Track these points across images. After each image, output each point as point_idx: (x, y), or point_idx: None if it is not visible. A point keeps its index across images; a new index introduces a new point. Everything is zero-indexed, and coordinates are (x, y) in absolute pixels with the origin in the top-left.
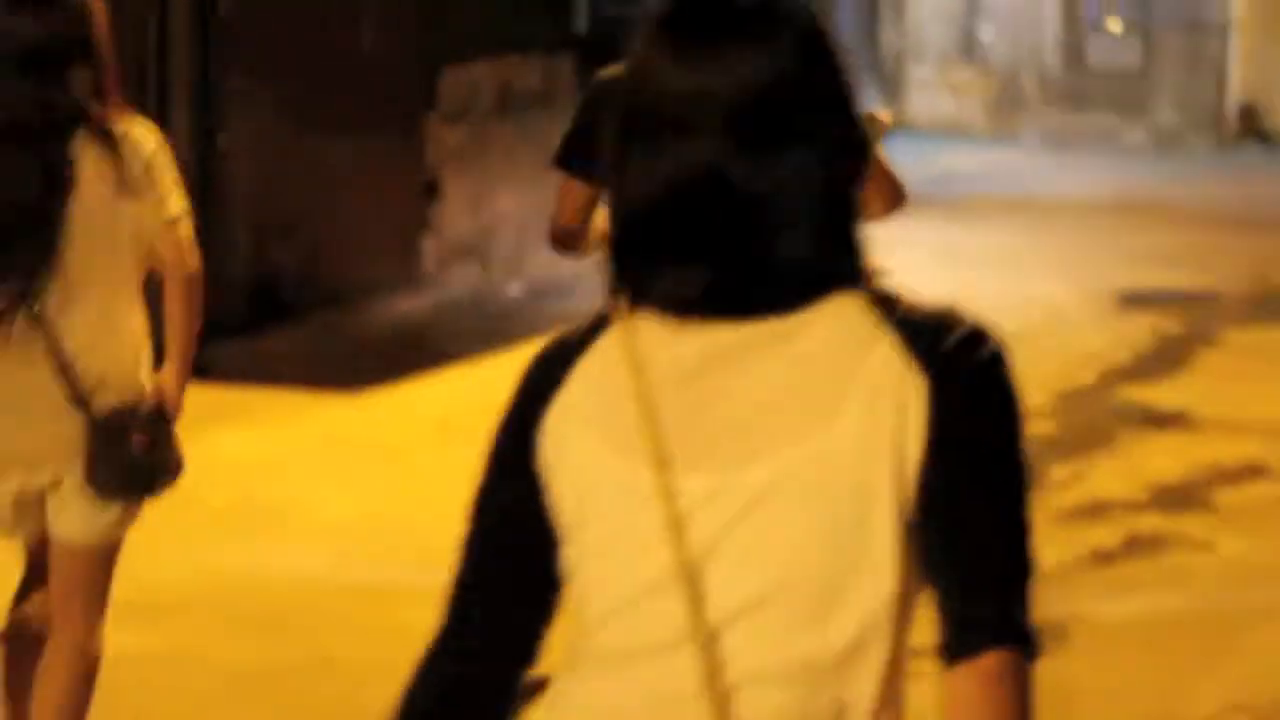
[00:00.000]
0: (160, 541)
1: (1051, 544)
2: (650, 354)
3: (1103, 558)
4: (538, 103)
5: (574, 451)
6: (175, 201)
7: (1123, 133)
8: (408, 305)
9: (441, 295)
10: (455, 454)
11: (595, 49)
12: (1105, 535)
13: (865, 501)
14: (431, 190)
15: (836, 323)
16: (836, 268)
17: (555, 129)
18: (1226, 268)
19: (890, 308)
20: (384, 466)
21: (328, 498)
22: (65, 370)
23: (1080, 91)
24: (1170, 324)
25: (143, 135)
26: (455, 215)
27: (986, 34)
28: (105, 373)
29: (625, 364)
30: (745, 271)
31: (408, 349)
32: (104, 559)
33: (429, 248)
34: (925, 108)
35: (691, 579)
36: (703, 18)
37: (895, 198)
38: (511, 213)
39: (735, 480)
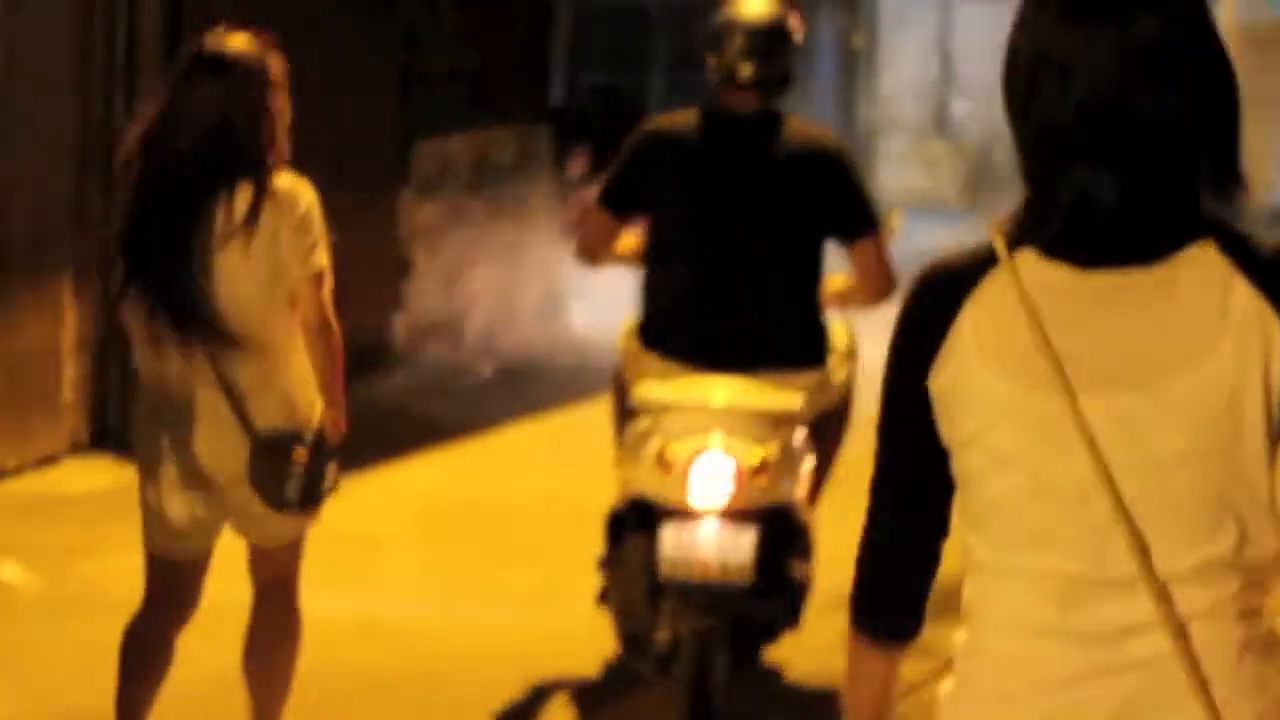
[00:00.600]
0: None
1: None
2: (1040, 293)
3: None
4: (513, 175)
5: (976, 382)
6: (320, 257)
7: None
8: (378, 384)
9: (412, 374)
10: (434, 548)
11: (571, 120)
12: None
13: (1241, 425)
14: (403, 267)
15: (1200, 269)
16: (1199, 205)
17: (531, 201)
18: None
19: (1239, 250)
20: (362, 558)
21: (307, 594)
22: (237, 404)
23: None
24: None
25: (299, 190)
26: (427, 292)
27: (960, 108)
28: (269, 405)
29: (1020, 303)
30: (1149, 188)
31: (381, 432)
32: (286, 556)
33: (400, 325)
34: (897, 181)
35: (1124, 505)
36: None
37: (887, 288)
38: (484, 290)
39: (1131, 404)
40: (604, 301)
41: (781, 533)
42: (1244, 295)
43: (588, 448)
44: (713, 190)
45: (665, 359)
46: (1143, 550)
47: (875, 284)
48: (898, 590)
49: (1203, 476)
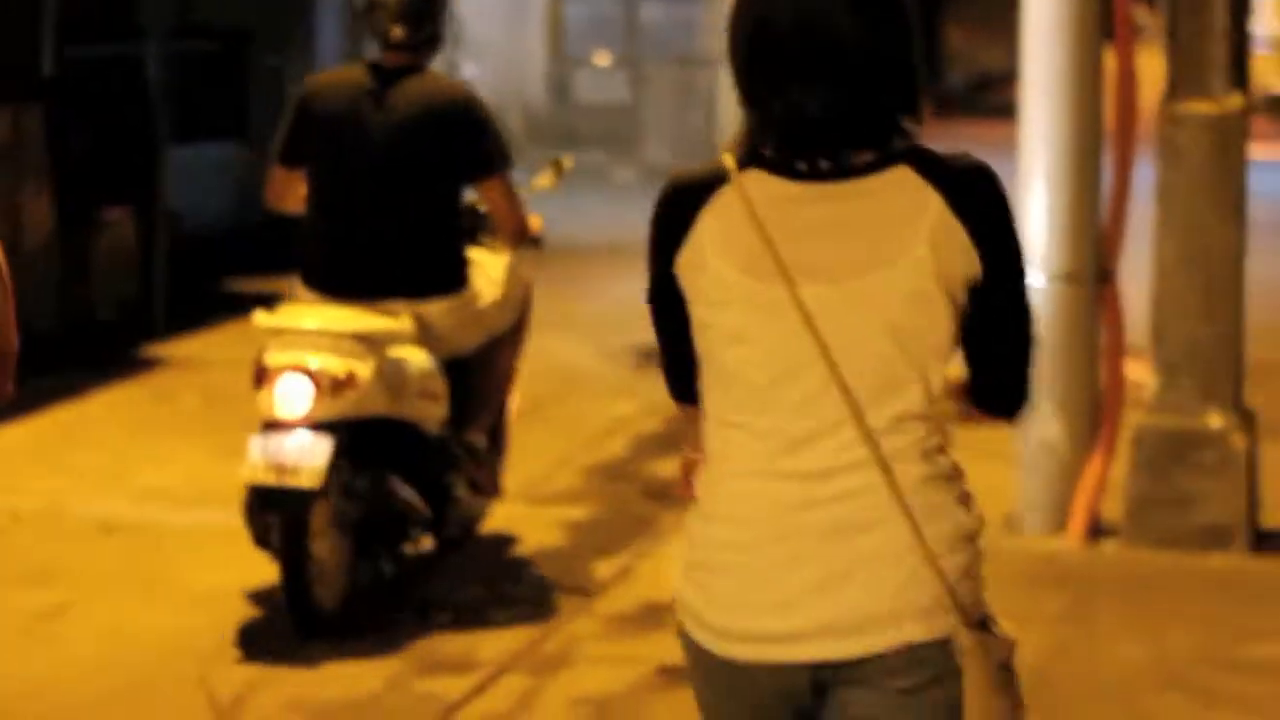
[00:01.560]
0: None
1: (609, 664)
2: (764, 198)
3: (672, 675)
4: (5, 157)
5: (712, 273)
6: None
7: (613, 170)
8: None
9: None
10: None
11: (66, 92)
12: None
13: (932, 310)
14: None
15: (900, 183)
16: (897, 126)
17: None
18: None
19: (927, 166)
20: None
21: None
22: None
23: (568, 127)
24: None
25: None
26: None
27: (469, 70)
28: None
29: (747, 211)
30: (851, 98)
31: None
32: None
33: None
34: None
35: (835, 370)
36: None
37: (517, 229)
38: None
39: (843, 292)
40: None
41: (373, 441)
42: (936, 207)
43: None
44: (349, 138)
45: (310, 292)
46: (852, 408)
47: (505, 224)
48: (682, 387)
49: (898, 350)
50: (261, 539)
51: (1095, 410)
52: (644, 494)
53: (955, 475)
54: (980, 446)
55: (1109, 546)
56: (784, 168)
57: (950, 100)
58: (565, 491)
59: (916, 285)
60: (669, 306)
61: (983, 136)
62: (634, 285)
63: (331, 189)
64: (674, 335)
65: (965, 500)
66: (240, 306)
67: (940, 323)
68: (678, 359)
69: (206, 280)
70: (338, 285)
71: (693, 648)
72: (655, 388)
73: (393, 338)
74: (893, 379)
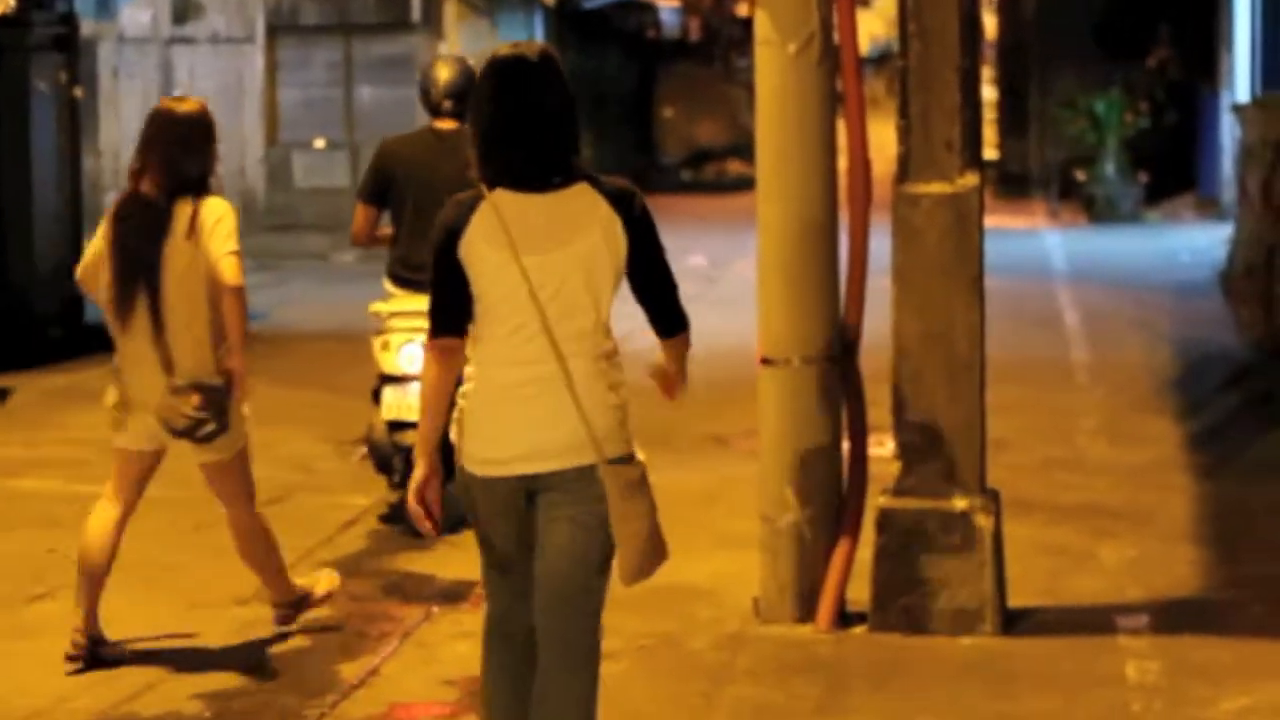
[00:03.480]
0: None
1: None
2: (505, 206)
3: None
4: None
5: (477, 251)
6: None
7: (332, 253)
8: None
9: None
10: None
11: None
12: None
13: (602, 266)
14: None
15: (583, 193)
16: (574, 164)
17: None
18: None
19: (599, 185)
20: None
21: None
22: (164, 357)
23: (288, 212)
24: None
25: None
26: None
27: None
28: (184, 358)
29: (494, 212)
30: (547, 158)
31: None
32: (218, 473)
33: None
34: None
35: (541, 297)
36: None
37: None
38: None
39: (549, 259)
40: None
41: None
42: (605, 208)
43: None
44: (427, 177)
45: (400, 289)
46: (545, 325)
47: None
48: (448, 324)
49: (582, 290)
50: (383, 467)
51: (839, 493)
52: (384, 592)
53: (611, 369)
54: (726, 534)
55: (858, 632)
56: (514, 186)
57: (667, 174)
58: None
59: (593, 252)
60: (450, 273)
61: (698, 209)
62: (361, 374)
63: (415, 214)
64: (451, 291)
65: (615, 386)
66: None
67: (607, 275)
68: (449, 307)
69: None
70: (420, 283)
71: (463, 473)
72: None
73: None
74: (574, 308)
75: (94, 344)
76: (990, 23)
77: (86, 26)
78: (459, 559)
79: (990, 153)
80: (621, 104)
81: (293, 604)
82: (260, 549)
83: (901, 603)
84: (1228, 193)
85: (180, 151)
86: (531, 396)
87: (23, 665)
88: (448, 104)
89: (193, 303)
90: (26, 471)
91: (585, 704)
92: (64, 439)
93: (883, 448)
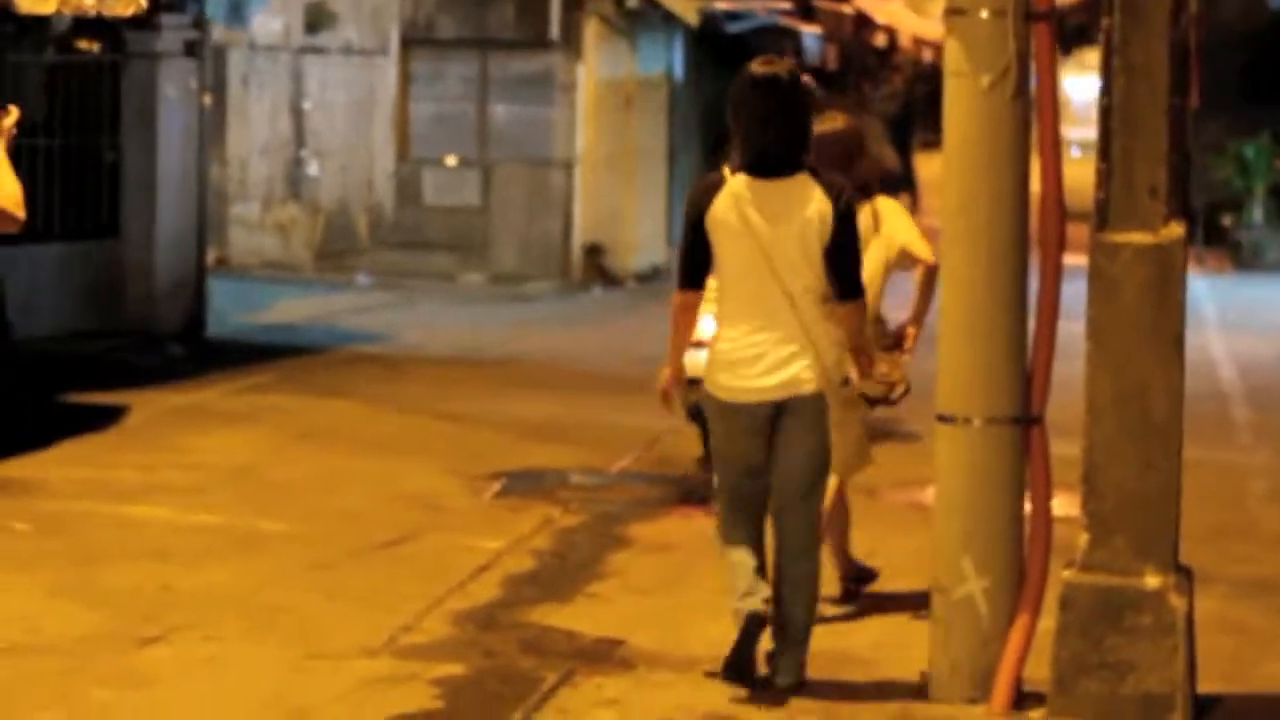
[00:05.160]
0: None
1: None
2: (744, 187)
3: None
4: None
5: (719, 216)
6: None
7: (461, 273)
8: None
9: None
10: None
11: None
12: None
13: (815, 237)
14: None
15: (805, 181)
16: (803, 160)
17: None
18: (614, 440)
19: (818, 175)
20: None
21: None
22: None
23: (416, 230)
24: (570, 516)
25: None
26: None
27: (314, 169)
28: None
29: (736, 191)
30: (785, 151)
31: None
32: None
33: None
34: (248, 248)
35: (770, 262)
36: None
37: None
38: None
39: (775, 226)
40: None
41: None
42: (819, 194)
43: None
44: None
45: None
46: (779, 280)
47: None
48: (694, 278)
49: (801, 256)
50: (694, 415)
51: (1019, 566)
52: (523, 648)
53: (827, 317)
54: (882, 597)
55: (1035, 716)
56: (752, 172)
57: None
58: (435, 644)
59: (810, 227)
60: (698, 236)
61: None
62: (489, 401)
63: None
64: (698, 251)
65: (831, 330)
66: (80, 422)
67: (818, 245)
68: (696, 264)
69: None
70: None
71: (715, 403)
72: (522, 519)
73: None
74: (800, 267)
75: (216, 361)
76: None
77: (216, 33)
78: (601, 613)
79: None
80: None
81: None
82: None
83: (1085, 686)
84: None
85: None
86: (777, 340)
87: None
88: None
89: None
90: (139, 497)
91: (816, 578)
92: (180, 463)
93: (1066, 508)
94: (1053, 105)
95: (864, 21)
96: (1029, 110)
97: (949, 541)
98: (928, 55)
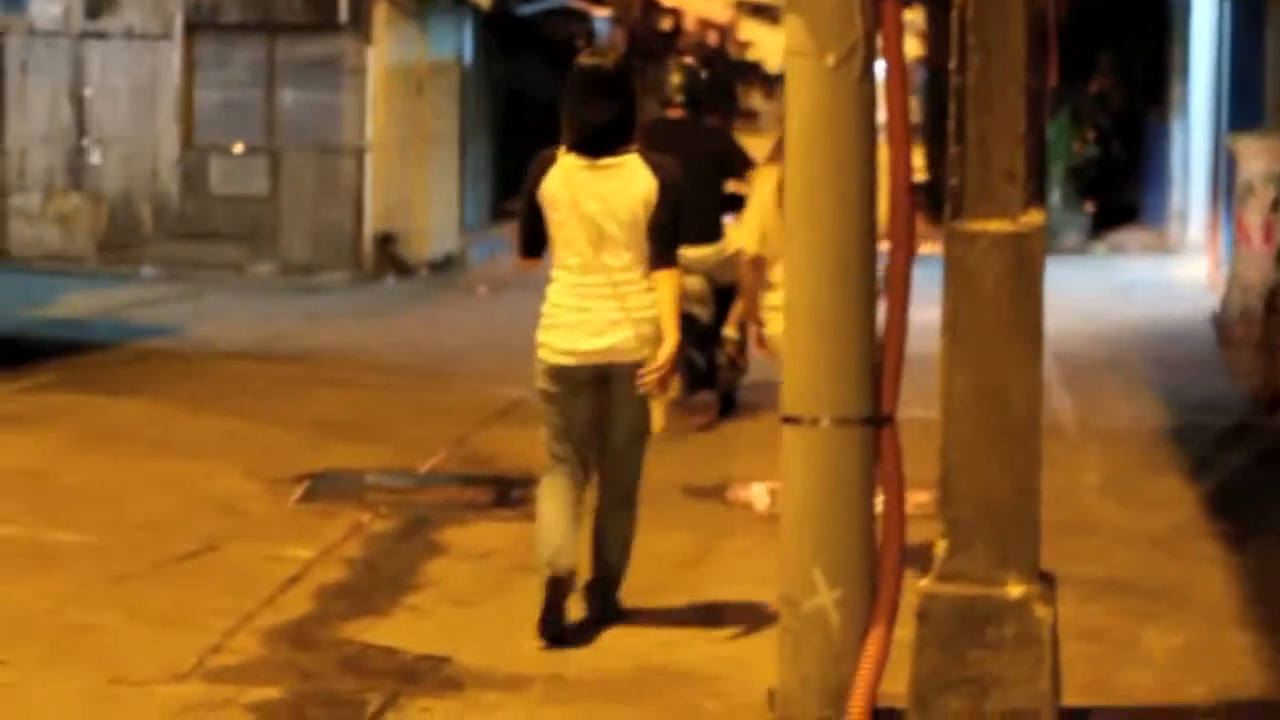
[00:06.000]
0: None
1: None
2: (572, 165)
3: None
4: None
5: (550, 192)
6: None
7: (250, 264)
8: None
9: None
10: None
11: None
12: None
13: (640, 213)
14: None
15: (631, 161)
16: (629, 141)
17: None
18: (419, 438)
19: (644, 156)
20: None
21: None
22: None
23: (203, 219)
24: (381, 521)
25: None
26: None
27: (97, 157)
28: None
29: (565, 167)
30: (608, 134)
31: None
32: None
33: None
34: (29, 240)
35: (597, 237)
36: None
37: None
38: None
39: (602, 204)
40: None
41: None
42: (646, 172)
43: None
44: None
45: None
46: (605, 258)
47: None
48: (531, 249)
49: (628, 230)
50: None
51: (872, 575)
52: (342, 667)
53: (649, 290)
54: (720, 607)
55: None
56: (578, 152)
57: None
58: (248, 665)
59: (636, 203)
60: (533, 209)
61: None
62: (289, 400)
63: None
64: (533, 222)
65: (651, 302)
66: None
67: (641, 221)
68: (531, 235)
69: None
70: None
71: (544, 365)
72: (330, 525)
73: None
74: (621, 241)
75: None
76: (915, 44)
77: None
78: (422, 627)
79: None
80: (543, 111)
81: None
82: None
83: (946, 703)
84: (1175, 225)
85: None
86: (599, 309)
87: None
88: (679, 96)
89: None
90: None
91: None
92: None
93: (919, 511)
94: (902, 86)
95: (652, 5)
96: (875, 91)
97: (798, 551)
98: (713, 39)
